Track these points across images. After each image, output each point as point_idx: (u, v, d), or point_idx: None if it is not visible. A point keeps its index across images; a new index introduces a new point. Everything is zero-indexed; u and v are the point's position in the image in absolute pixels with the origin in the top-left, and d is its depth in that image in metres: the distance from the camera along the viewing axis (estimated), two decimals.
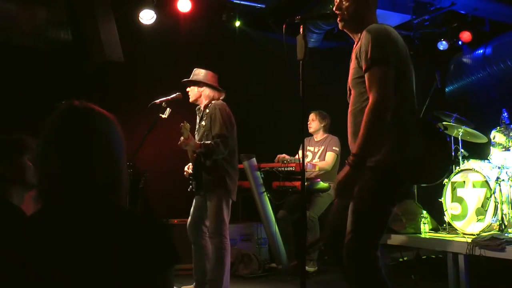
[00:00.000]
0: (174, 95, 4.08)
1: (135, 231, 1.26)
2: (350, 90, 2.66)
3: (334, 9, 2.63)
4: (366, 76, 2.44)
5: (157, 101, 4.02)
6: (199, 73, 4.20)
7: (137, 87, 5.77)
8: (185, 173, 4.21)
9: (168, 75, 5.39)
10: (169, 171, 5.58)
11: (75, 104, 1.33)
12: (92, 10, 5.23)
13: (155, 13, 5.62)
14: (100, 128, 1.32)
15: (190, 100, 4.22)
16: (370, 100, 2.39)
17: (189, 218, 4.21)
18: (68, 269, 1.18)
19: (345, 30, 2.70)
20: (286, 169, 5.29)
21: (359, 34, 2.60)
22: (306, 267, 4.89)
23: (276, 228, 5.30)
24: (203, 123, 4.14)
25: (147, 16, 5.63)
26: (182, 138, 3.91)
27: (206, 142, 3.99)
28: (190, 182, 4.15)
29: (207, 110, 4.12)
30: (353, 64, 2.58)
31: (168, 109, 3.99)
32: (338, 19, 2.65)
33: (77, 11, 5.35)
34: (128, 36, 5.58)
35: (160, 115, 4.00)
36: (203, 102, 4.20)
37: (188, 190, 4.14)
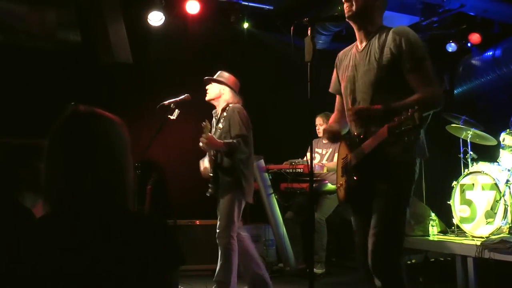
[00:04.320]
0: (183, 96, 4.08)
1: (139, 232, 1.27)
2: (361, 89, 2.67)
3: (346, 8, 2.63)
4: (416, 72, 2.50)
5: (166, 102, 4.02)
6: (223, 75, 4.21)
7: (146, 88, 5.79)
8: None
9: (177, 77, 5.41)
10: (177, 172, 5.60)
11: (79, 109, 1.35)
12: (101, 12, 5.26)
13: (163, 14, 5.64)
14: (104, 132, 1.34)
15: (207, 98, 4.20)
16: (431, 90, 2.48)
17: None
18: (75, 270, 1.20)
19: (350, 22, 2.70)
20: (294, 170, 5.29)
21: (369, 33, 2.65)
22: (314, 269, 4.88)
23: (284, 229, 5.30)
24: (220, 125, 4.14)
25: (155, 18, 5.65)
26: (202, 138, 3.91)
27: (228, 140, 4.00)
28: (209, 185, 4.14)
29: (225, 113, 4.12)
30: (379, 62, 2.57)
31: (176, 110, 3.99)
32: (346, 10, 2.65)
33: (86, 12, 5.38)
34: (137, 38, 5.60)
35: (169, 116, 4.01)
36: (220, 104, 4.19)
37: (207, 194, 4.12)
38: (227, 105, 4.15)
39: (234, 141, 3.95)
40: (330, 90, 2.96)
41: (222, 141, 3.97)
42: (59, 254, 1.21)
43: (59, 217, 1.28)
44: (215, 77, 4.22)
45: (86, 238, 1.24)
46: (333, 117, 2.99)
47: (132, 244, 1.24)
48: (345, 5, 2.65)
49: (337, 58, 2.90)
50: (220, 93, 4.18)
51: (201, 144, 3.95)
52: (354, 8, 2.61)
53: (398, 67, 2.52)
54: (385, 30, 2.63)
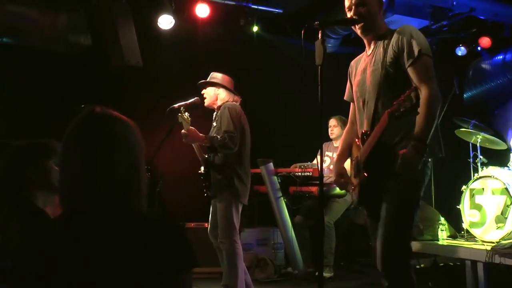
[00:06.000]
0: (193, 99, 4.09)
1: (154, 235, 1.28)
2: (362, 92, 2.71)
3: (352, 14, 2.67)
4: (414, 68, 2.52)
5: (176, 105, 4.03)
6: (216, 76, 4.22)
7: (156, 92, 5.82)
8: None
9: (187, 80, 5.41)
10: (187, 174, 5.60)
11: (96, 111, 1.35)
12: (112, 16, 5.30)
13: (173, 18, 5.67)
14: (120, 134, 1.34)
15: (206, 103, 4.22)
16: (427, 92, 2.47)
17: (209, 224, 4.20)
18: (88, 272, 1.20)
19: (361, 35, 2.76)
20: (303, 174, 5.29)
21: (375, 38, 2.71)
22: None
23: (292, 233, 5.30)
24: (214, 123, 4.16)
25: (165, 21, 5.68)
26: (183, 131, 3.92)
27: (212, 135, 4.00)
28: (204, 184, 4.14)
29: (219, 112, 4.14)
30: (383, 61, 2.61)
31: (186, 113, 4.01)
32: (357, 24, 2.69)
33: (97, 16, 5.42)
34: (147, 41, 5.64)
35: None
36: (217, 104, 4.20)
37: (205, 195, 4.14)
38: (223, 104, 4.16)
39: (219, 136, 3.93)
40: (345, 98, 3.02)
41: (203, 135, 3.96)
42: (73, 255, 1.22)
43: (73, 218, 1.29)
44: (208, 79, 4.22)
45: (100, 240, 1.24)
46: (345, 132, 3.06)
47: (145, 246, 1.24)
48: (349, 15, 2.70)
49: (350, 66, 2.96)
50: (215, 95, 4.19)
51: (183, 139, 3.96)
52: (364, 20, 2.66)
53: (400, 63, 2.56)
54: (391, 32, 2.69)
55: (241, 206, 4.06)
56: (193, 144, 4.10)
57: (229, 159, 4.00)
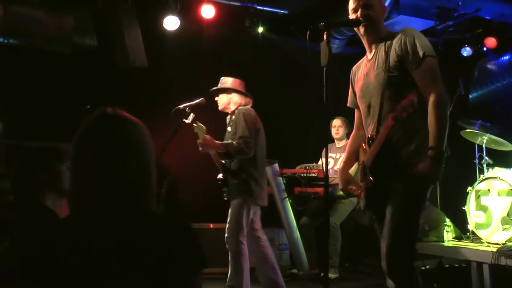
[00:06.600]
0: (198, 100, 4.10)
1: (164, 235, 1.28)
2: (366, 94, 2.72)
3: (358, 16, 2.67)
4: (419, 71, 2.52)
5: (181, 106, 4.04)
6: (226, 81, 4.23)
7: (161, 92, 5.83)
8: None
9: (192, 81, 5.44)
10: (192, 175, 5.62)
11: (108, 112, 1.35)
12: (117, 17, 5.31)
13: (179, 19, 5.68)
14: (133, 135, 1.34)
15: (220, 108, 4.25)
16: (435, 94, 2.47)
17: None
18: (97, 272, 1.20)
19: (364, 36, 2.77)
20: (308, 175, 5.29)
21: (376, 41, 2.72)
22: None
23: (297, 234, 5.29)
24: (229, 128, 4.18)
25: (171, 22, 5.69)
26: (198, 140, 3.94)
27: (227, 141, 4.01)
28: (223, 189, 4.16)
29: (233, 117, 4.15)
30: (386, 64, 2.61)
31: (191, 114, 4.01)
32: (362, 25, 2.71)
33: (102, 17, 5.44)
34: (152, 42, 5.65)
35: (184, 120, 4.03)
36: (231, 109, 4.22)
37: (225, 199, 4.15)
38: (237, 108, 4.17)
39: (234, 142, 3.95)
40: (348, 104, 3.02)
41: (219, 142, 3.98)
42: (83, 255, 1.22)
43: (84, 218, 1.29)
44: (219, 85, 4.24)
45: (111, 240, 1.24)
46: (351, 138, 3.06)
47: (156, 247, 1.25)
48: (353, 16, 2.72)
49: (351, 72, 2.97)
50: (228, 100, 4.21)
51: (200, 148, 3.98)
52: (370, 23, 2.68)
53: (404, 65, 2.56)
54: (391, 35, 2.70)
55: (258, 208, 4.10)
56: (209, 151, 4.11)
57: (244, 163, 4.03)
